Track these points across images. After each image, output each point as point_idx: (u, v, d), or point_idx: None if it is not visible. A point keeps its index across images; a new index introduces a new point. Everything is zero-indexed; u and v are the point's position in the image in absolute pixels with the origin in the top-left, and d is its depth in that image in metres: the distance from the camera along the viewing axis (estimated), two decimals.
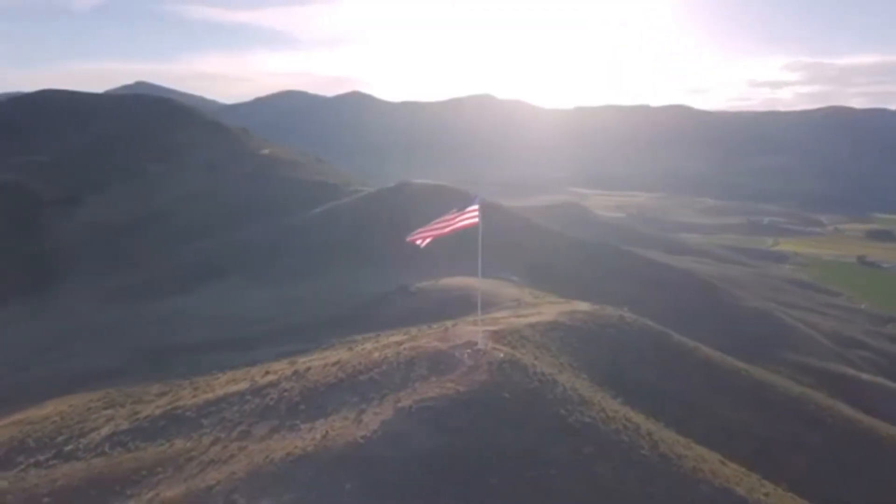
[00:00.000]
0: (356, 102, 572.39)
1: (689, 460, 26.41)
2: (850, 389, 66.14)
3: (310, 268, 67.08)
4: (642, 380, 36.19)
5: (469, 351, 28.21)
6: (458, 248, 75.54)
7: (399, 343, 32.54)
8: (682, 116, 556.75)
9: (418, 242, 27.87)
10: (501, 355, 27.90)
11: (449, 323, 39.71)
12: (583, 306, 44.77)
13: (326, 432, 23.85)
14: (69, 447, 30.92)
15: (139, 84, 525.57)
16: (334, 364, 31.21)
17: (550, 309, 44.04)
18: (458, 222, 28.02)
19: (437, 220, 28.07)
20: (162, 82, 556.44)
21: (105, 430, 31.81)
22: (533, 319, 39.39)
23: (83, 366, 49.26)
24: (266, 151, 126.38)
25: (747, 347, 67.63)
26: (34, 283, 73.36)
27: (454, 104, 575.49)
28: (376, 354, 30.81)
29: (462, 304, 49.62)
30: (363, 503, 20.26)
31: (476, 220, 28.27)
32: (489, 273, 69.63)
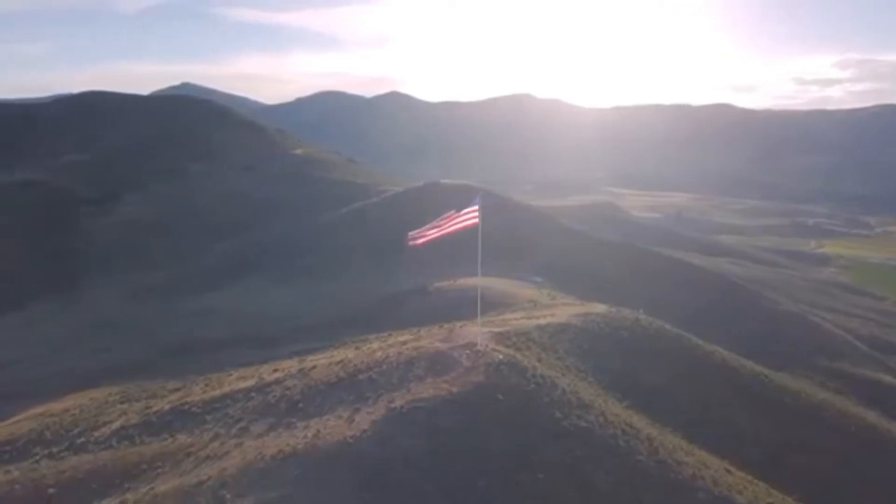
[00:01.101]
0: (394, 102, 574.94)
1: (688, 467, 25.88)
2: (886, 397, 63.99)
3: (333, 267, 67.76)
4: (653, 384, 35.56)
5: (468, 352, 28.09)
6: (475, 248, 75.37)
7: (403, 343, 32.62)
8: (724, 115, 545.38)
9: (417, 242, 27.76)
10: (500, 356, 27.73)
11: (459, 323, 39.59)
12: (598, 308, 44.24)
13: (318, 431, 24.01)
14: (81, 440, 31.76)
15: (184, 85, 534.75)
16: (338, 363, 31.43)
17: (565, 310, 43.62)
18: (457, 223, 27.89)
19: (436, 221, 27.95)
20: (206, 83, 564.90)
21: (116, 424, 32.59)
22: (544, 321, 39.06)
23: (108, 361, 50.58)
24: (299, 151, 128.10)
25: (776, 352, 66.02)
26: (66, 280, 75.66)
27: (492, 103, 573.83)
28: (379, 354, 30.92)
29: (476, 305, 49.46)
30: (346, 502, 20.35)
31: (476, 220, 28.11)
32: (512, 273, 69.35)
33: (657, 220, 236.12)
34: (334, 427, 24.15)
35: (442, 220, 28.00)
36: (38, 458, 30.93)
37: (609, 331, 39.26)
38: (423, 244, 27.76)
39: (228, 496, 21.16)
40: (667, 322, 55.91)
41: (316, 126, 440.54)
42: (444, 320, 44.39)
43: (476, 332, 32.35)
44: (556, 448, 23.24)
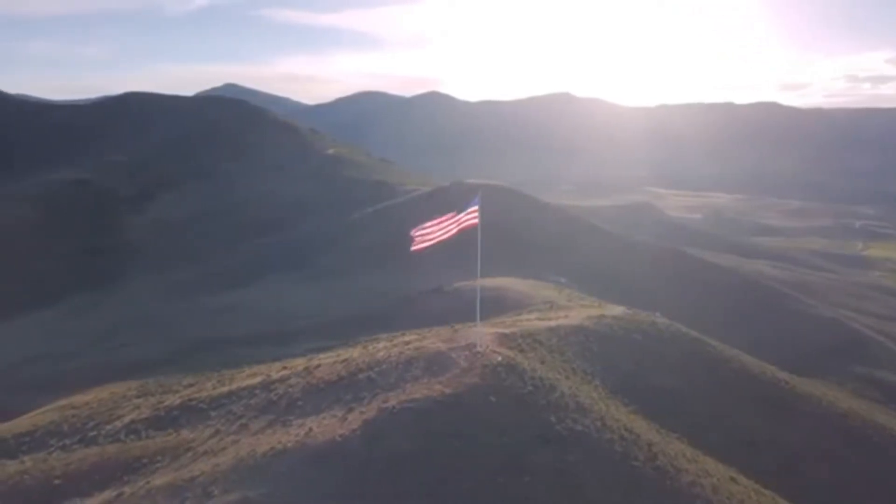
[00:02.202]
0: (433, 102, 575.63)
1: (688, 474, 25.31)
2: None
3: (356, 266, 68.19)
4: (664, 388, 34.91)
5: (467, 353, 27.94)
6: (501, 248, 75.15)
7: (407, 343, 32.61)
8: (770, 114, 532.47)
9: (418, 247, 27.73)
10: (499, 358, 27.52)
11: (468, 324, 39.35)
12: (614, 310, 43.63)
13: (311, 429, 24.18)
14: (93, 433, 32.61)
15: (227, 86, 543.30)
16: (342, 362, 31.61)
17: (580, 312, 43.11)
18: (458, 224, 27.76)
19: (436, 222, 27.84)
20: (250, 84, 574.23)
21: (127, 419, 33.36)
22: (556, 322, 38.67)
23: (133, 355, 51.78)
24: (331, 151, 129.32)
25: (807, 358, 64.30)
26: (103, 276, 77.81)
27: (532, 103, 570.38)
28: (381, 353, 30.99)
29: (493, 305, 49.20)
30: (330, 501, 20.44)
31: (476, 220, 27.94)
32: (536, 274, 68.88)
33: (696, 221, 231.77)
34: (327, 426, 24.30)
35: (443, 220, 27.87)
36: (52, 449, 31.86)
37: (622, 333, 38.66)
38: (422, 249, 27.72)
39: (216, 492, 21.47)
40: (693, 325, 54.89)
41: (355, 126, 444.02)
42: (458, 321, 44.22)
43: (481, 332, 32.18)
44: (547, 452, 22.93)
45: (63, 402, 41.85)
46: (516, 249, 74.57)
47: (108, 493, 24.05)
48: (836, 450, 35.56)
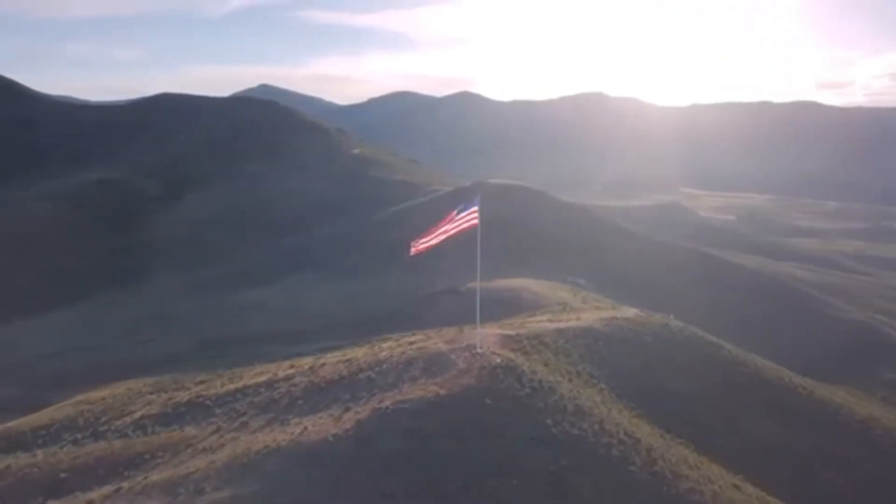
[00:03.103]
0: (465, 102, 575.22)
1: (688, 480, 24.86)
2: None
3: (377, 265, 68.39)
4: (673, 392, 34.39)
5: (466, 354, 27.82)
6: (520, 248, 74.69)
7: (411, 343, 32.62)
8: (808, 113, 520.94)
9: (418, 249, 27.75)
10: (499, 360, 27.35)
11: (475, 326, 39.12)
12: (627, 312, 43.10)
13: (305, 428, 24.29)
14: (103, 428, 33.23)
15: (261, 87, 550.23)
16: (345, 361, 31.75)
17: (592, 314, 42.65)
18: (458, 226, 27.69)
19: (439, 224, 27.83)
20: (285, 85, 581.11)
21: (137, 414, 33.92)
22: (566, 324, 38.31)
23: (152, 352, 52.69)
24: (357, 151, 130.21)
25: (834, 363, 62.73)
26: (130, 274, 79.50)
27: (564, 102, 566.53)
28: (384, 353, 31.05)
29: (507, 306, 49.08)
30: (318, 500, 20.50)
31: (475, 221, 27.81)
32: (555, 275, 68.35)
33: (728, 222, 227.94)
34: (322, 425, 24.39)
35: (443, 222, 27.83)
36: (64, 443, 32.56)
37: (632, 336, 38.15)
38: (421, 251, 27.73)
39: (208, 489, 21.67)
40: (716, 328, 53.99)
41: (386, 126, 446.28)
42: (471, 322, 44.06)
43: (485, 333, 32.06)
44: (539, 456, 22.70)
45: (81, 397, 42.72)
46: (535, 250, 74.12)
47: (108, 488, 24.41)
48: (853, 458, 34.63)
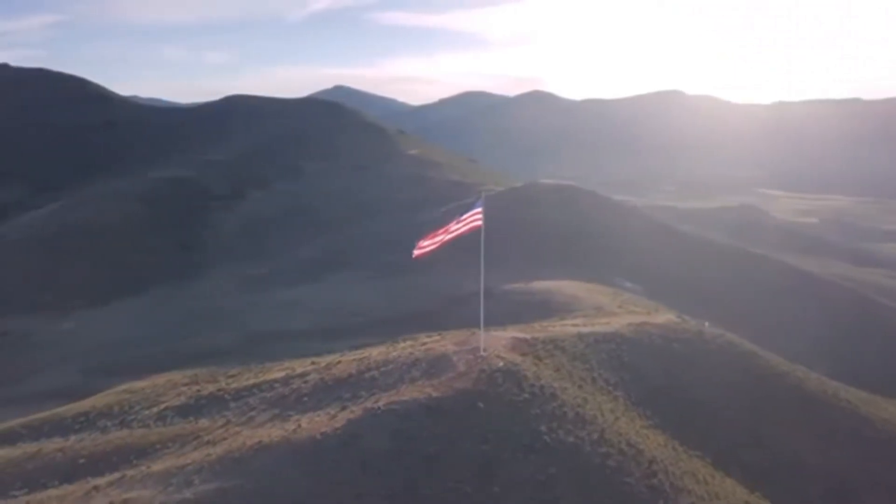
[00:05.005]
0: (537, 101, 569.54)
1: (690, 495, 23.87)
2: None
3: (420, 265, 67.85)
4: (697, 402, 33.01)
5: (469, 356, 27.52)
6: (569, 250, 73.22)
7: (423, 344, 32.52)
8: None
9: (422, 251, 27.68)
10: (501, 363, 26.90)
11: (504, 327, 38.73)
12: (660, 318, 41.59)
13: (300, 426, 24.59)
14: (132, 417, 34.56)
15: (336, 88, 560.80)
16: (358, 360, 31.94)
17: (623, 319, 41.42)
18: (461, 227, 27.44)
19: (444, 226, 27.69)
20: (358, 86, 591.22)
21: (164, 405, 35.12)
22: (590, 328, 37.30)
23: (198, 345, 54.55)
24: (414, 152, 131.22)
25: None
26: (189, 269, 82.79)
27: (638, 101, 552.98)
28: (395, 353, 31.08)
29: (539, 309, 48.32)
30: (295, 498, 20.71)
31: (479, 223, 27.46)
32: (602, 278, 66.81)
33: (810, 225, 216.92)
34: (317, 423, 24.63)
35: (448, 224, 27.66)
36: (94, 430, 34.05)
37: (660, 342, 36.79)
38: (425, 254, 27.62)
39: (196, 481, 22.22)
40: (773, 339, 51.90)
41: (457, 126, 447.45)
42: (499, 324, 43.61)
43: (498, 335, 31.69)
44: (528, 463, 22.23)
45: (125, 386, 44.55)
46: (585, 251, 72.60)
47: (115, 476, 25.34)
48: (890, 478, 32.38)
